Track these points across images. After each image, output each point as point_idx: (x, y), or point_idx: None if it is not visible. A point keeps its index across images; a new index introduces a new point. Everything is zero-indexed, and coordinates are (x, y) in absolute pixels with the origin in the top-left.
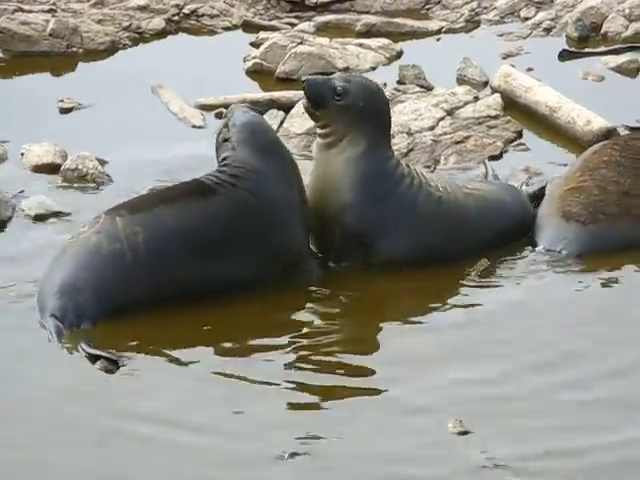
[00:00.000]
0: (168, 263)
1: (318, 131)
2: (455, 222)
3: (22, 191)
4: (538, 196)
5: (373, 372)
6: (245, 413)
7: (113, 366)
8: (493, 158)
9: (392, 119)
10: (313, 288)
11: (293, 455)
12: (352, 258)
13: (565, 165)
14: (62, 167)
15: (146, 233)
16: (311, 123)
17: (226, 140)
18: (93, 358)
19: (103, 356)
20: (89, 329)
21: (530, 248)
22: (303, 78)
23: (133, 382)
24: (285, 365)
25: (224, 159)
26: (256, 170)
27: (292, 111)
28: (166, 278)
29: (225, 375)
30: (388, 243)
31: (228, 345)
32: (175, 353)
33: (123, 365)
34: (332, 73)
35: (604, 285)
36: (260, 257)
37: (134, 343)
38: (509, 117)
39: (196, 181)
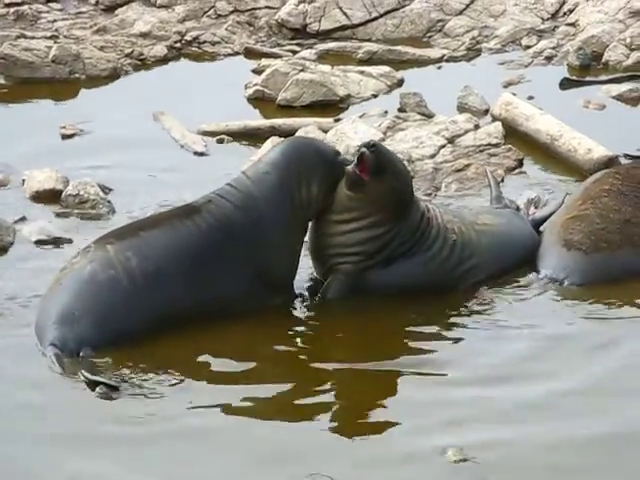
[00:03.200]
0: (163, 283)
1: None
2: (466, 261)
3: (23, 217)
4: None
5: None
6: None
7: (113, 392)
8: None
9: (393, 148)
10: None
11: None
12: (342, 293)
13: (567, 194)
14: (63, 193)
15: (138, 257)
16: None
17: None
18: (93, 384)
19: (103, 382)
20: (90, 356)
21: (533, 276)
22: (370, 143)
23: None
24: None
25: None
26: (245, 190)
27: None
28: (162, 299)
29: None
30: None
31: (227, 369)
32: (174, 376)
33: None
34: (335, 100)
35: (597, 318)
36: (243, 275)
37: (134, 369)
38: (510, 145)
39: (185, 204)
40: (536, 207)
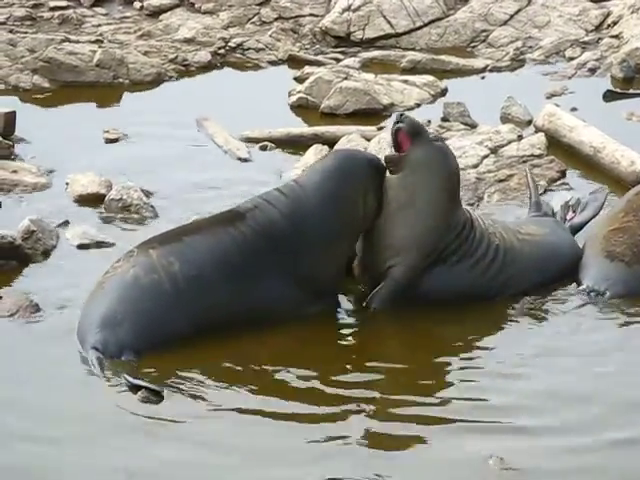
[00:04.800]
0: (205, 288)
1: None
2: (507, 268)
3: (66, 221)
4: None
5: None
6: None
7: (155, 397)
8: None
9: None
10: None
11: None
12: (389, 302)
13: (608, 205)
14: (107, 197)
15: (180, 261)
16: None
17: None
18: (135, 388)
19: (145, 386)
20: (132, 360)
21: (574, 287)
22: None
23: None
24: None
25: None
26: (295, 198)
27: (336, 146)
28: (204, 303)
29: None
30: (438, 293)
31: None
32: (214, 384)
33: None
34: (378, 109)
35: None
36: (285, 281)
37: (175, 373)
38: (553, 156)
39: (229, 210)
40: (574, 211)
